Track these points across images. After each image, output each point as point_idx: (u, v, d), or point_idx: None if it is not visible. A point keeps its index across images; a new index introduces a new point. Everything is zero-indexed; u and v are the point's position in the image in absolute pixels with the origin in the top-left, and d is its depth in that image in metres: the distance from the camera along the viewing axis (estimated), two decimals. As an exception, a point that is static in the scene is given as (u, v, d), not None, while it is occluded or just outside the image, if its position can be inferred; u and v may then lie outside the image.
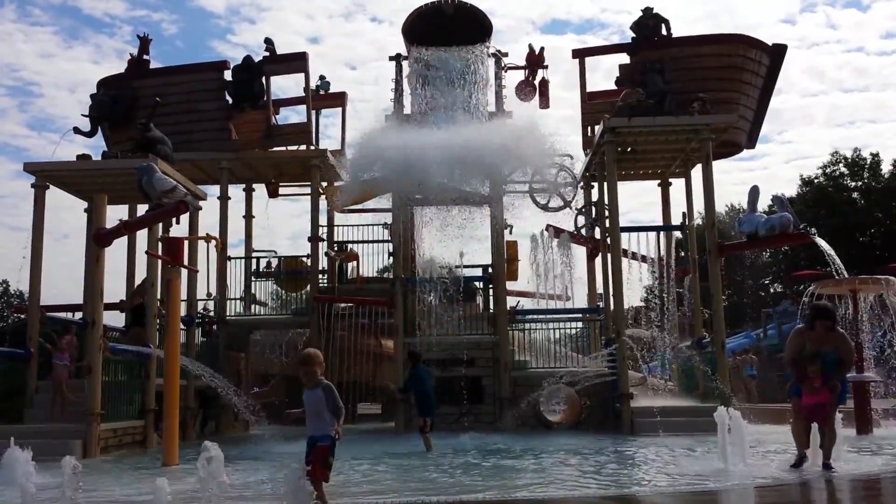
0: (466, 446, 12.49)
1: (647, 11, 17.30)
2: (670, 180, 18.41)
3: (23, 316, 16.83)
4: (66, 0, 79.58)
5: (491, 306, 17.40)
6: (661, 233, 17.49)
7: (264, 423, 15.09)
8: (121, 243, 15.45)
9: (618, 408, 14.72)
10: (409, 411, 15.51)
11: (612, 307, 15.91)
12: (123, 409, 13.82)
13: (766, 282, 46.86)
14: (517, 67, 18.89)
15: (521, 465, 10.05)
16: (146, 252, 14.24)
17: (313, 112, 19.27)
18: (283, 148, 18.72)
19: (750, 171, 68.38)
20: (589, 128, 17.94)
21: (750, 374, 21.37)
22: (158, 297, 14.89)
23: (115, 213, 15.84)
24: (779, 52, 17.24)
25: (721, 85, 16.66)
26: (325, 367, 6.65)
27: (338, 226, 20.69)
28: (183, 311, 14.89)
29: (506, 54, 18.44)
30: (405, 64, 18.07)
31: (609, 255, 15.90)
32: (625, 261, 15.74)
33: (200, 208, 16.07)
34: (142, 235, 15.73)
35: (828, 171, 42.41)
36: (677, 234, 18.44)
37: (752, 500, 7.19)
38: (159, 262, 13.79)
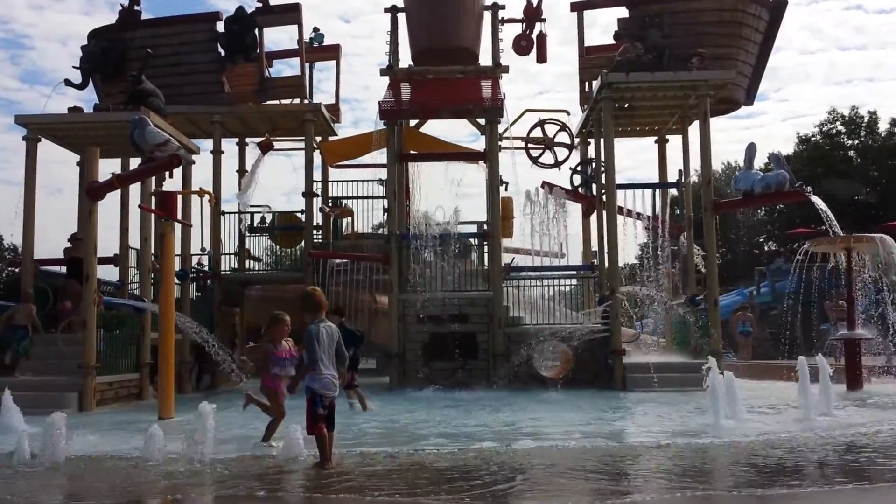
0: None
1: (648, -36, 16.96)
2: (667, 137, 18.31)
3: (17, 269, 16.81)
4: (56, -51, 77.93)
5: (486, 263, 17.41)
6: (657, 190, 17.48)
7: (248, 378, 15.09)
8: (114, 197, 15.37)
9: (610, 364, 14.83)
10: (402, 366, 15.67)
11: (606, 264, 15.93)
12: (119, 363, 13.87)
13: (761, 240, 46.92)
14: (514, 21, 18.61)
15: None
16: (139, 206, 14.17)
17: (307, 65, 19.03)
18: (277, 102, 18.51)
19: (747, 129, 68.08)
20: (587, 83, 17.75)
21: (745, 330, 21.51)
22: (152, 251, 14.87)
23: (108, 167, 15.76)
24: (778, 7, 17.00)
25: (720, 40, 16.43)
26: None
27: (332, 181, 20.64)
28: (177, 266, 14.84)
29: (503, 7, 18.17)
30: (401, 16, 17.80)
31: (604, 213, 15.88)
32: (620, 218, 15.71)
33: (193, 162, 15.95)
34: (135, 189, 15.65)
35: (825, 129, 42.16)
36: (673, 191, 18.40)
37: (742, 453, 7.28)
38: (152, 216, 13.74)
